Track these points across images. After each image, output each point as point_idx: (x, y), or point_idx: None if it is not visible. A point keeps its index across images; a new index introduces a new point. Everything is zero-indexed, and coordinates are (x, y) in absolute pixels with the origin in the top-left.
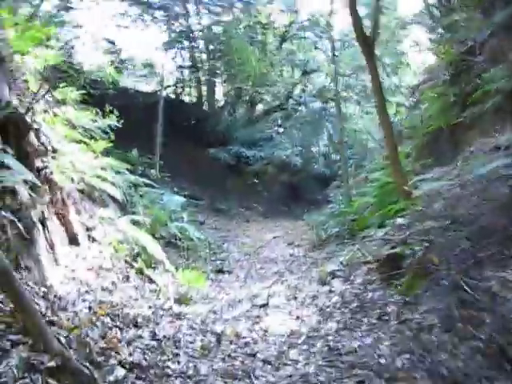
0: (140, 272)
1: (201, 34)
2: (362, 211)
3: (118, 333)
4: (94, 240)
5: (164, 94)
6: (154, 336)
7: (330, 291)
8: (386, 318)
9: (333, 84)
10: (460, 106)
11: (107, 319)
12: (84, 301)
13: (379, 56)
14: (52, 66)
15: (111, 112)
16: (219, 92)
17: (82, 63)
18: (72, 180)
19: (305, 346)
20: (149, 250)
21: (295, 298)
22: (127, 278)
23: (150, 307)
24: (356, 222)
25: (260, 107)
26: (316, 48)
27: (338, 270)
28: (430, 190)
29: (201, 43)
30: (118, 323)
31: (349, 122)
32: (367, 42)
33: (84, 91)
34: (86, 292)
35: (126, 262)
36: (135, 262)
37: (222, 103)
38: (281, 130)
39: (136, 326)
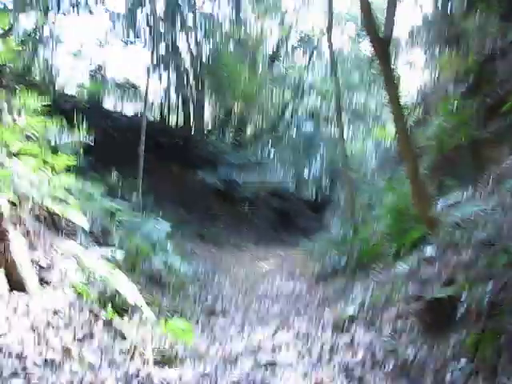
0: (109, 324)
1: (188, 52)
2: (371, 239)
3: None
4: (47, 283)
5: (150, 117)
6: None
7: (352, 342)
8: None
9: (325, 105)
10: (482, 119)
11: None
12: None
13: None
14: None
15: (79, 125)
16: (207, 115)
17: (58, 76)
18: (19, 204)
19: None
20: (122, 294)
21: (309, 351)
22: (90, 336)
23: (117, 380)
24: (364, 251)
25: (250, 130)
26: (306, 68)
27: (356, 313)
28: (462, 215)
29: (187, 60)
30: None
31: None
32: (382, 44)
33: (50, 103)
34: (13, 374)
35: (90, 311)
36: (104, 311)
37: (209, 126)
38: (272, 153)
39: None
